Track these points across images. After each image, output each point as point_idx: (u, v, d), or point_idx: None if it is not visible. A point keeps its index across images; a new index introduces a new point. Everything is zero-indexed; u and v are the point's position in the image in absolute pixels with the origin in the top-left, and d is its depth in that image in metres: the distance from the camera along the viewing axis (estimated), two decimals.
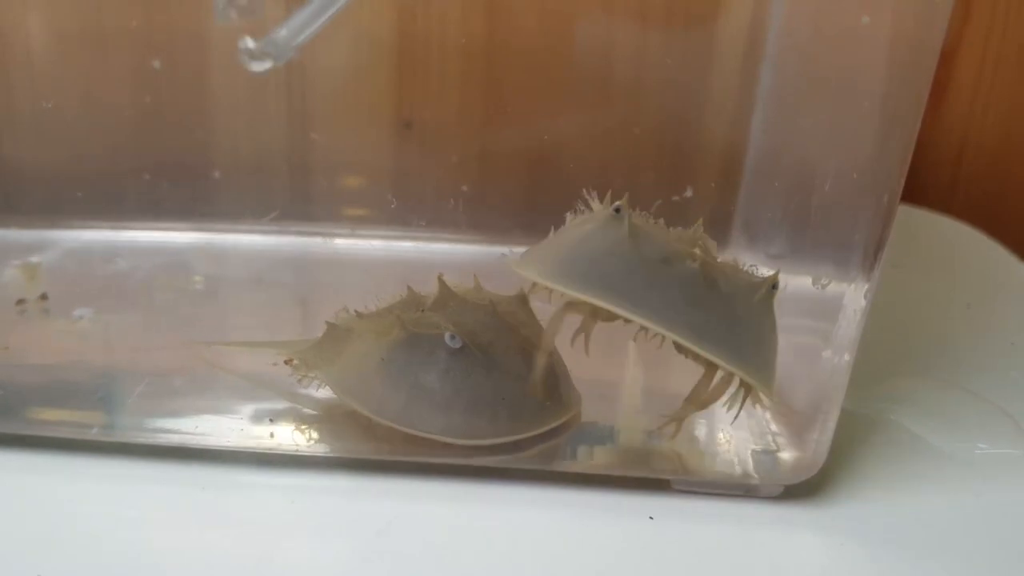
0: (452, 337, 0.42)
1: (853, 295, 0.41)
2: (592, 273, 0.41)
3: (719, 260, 0.43)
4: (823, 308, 0.43)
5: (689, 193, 0.55)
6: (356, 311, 0.45)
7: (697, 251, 0.41)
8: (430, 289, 0.45)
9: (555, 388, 0.44)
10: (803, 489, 0.43)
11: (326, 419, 0.45)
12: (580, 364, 0.44)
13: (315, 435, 0.44)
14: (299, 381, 0.44)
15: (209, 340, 0.49)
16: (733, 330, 0.41)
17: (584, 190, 0.43)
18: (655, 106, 0.61)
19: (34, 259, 0.45)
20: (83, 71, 0.62)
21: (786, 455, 0.44)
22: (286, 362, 0.46)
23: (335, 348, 0.44)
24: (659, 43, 0.59)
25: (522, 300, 0.45)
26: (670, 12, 0.59)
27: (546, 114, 0.62)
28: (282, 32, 0.48)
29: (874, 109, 0.41)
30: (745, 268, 0.43)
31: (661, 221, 0.44)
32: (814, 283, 0.43)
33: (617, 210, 0.42)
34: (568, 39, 0.60)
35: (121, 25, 0.61)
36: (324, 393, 0.44)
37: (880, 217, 0.40)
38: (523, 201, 0.63)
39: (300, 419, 0.45)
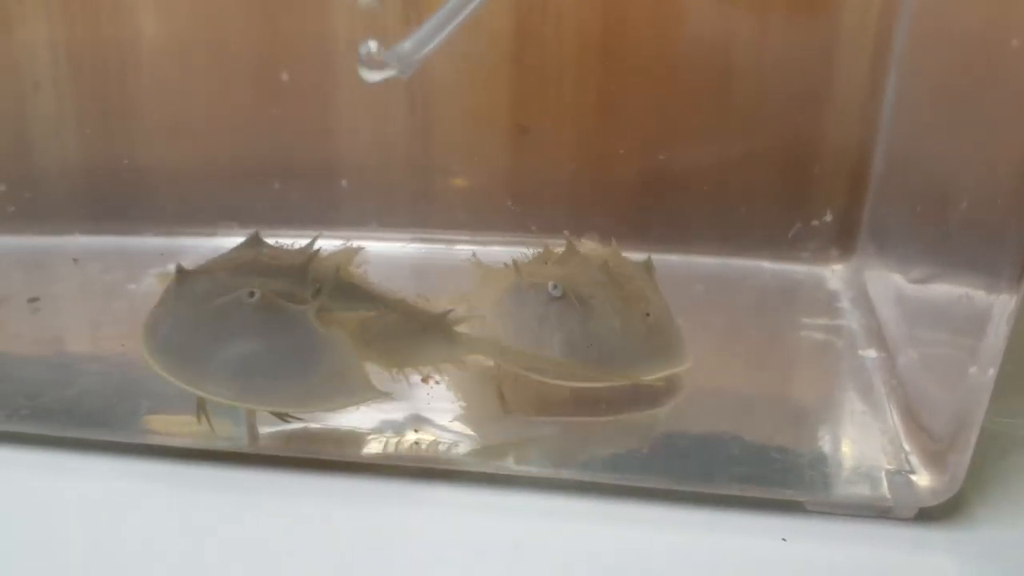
0: (554, 287, 0.47)
1: (1002, 306, 0.40)
2: None
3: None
4: (969, 322, 0.42)
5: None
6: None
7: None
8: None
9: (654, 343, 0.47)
10: (938, 511, 0.42)
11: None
12: None
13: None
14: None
15: None
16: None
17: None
18: (775, 110, 0.60)
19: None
20: (213, 82, 0.64)
21: (920, 476, 0.43)
22: (423, 380, 0.47)
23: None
24: (781, 41, 0.59)
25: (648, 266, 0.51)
26: (793, 7, 0.58)
27: (663, 120, 0.62)
28: (406, 45, 0.48)
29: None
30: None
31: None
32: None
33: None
34: (685, 41, 0.59)
35: (248, 36, 0.63)
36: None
37: None
38: (637, 207, 0.63)
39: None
